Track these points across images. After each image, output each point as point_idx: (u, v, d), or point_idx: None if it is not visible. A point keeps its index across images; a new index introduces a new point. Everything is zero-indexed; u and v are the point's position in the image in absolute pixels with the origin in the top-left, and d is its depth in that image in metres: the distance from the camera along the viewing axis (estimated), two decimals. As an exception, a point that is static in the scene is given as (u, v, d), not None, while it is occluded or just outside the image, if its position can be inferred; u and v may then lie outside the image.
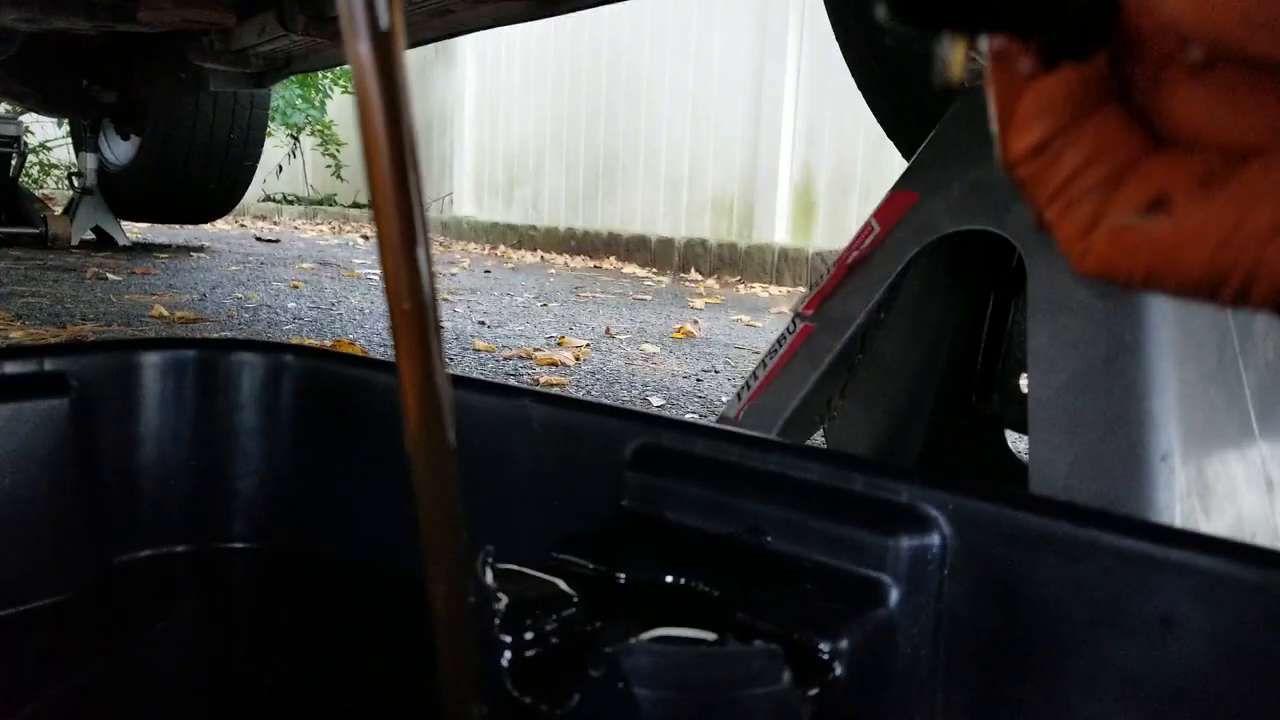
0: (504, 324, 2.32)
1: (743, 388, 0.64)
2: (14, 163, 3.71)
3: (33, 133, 4.86)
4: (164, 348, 0.58)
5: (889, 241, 0.59)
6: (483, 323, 2.33)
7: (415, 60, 6.46)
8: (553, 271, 4.10)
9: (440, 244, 5.51)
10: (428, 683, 0.52)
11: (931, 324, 0.66)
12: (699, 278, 4.22)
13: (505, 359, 1.80)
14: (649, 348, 2.08)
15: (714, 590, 0.43)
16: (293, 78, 5.47)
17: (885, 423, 0.68)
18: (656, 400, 1.54)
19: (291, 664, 0.61)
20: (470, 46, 6.21)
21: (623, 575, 0.44)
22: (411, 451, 0.29)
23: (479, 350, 1.89)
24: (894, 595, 0.42)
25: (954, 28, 0.21)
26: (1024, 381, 0.59)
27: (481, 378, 0.58)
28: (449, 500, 0.30)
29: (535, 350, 1.91)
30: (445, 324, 2.23)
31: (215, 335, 1.78)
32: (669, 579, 0.43)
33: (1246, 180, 0.19)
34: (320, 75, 6.90)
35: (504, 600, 0.37)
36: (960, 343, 0.64)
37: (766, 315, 2.90)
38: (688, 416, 1.44)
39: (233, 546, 0.61)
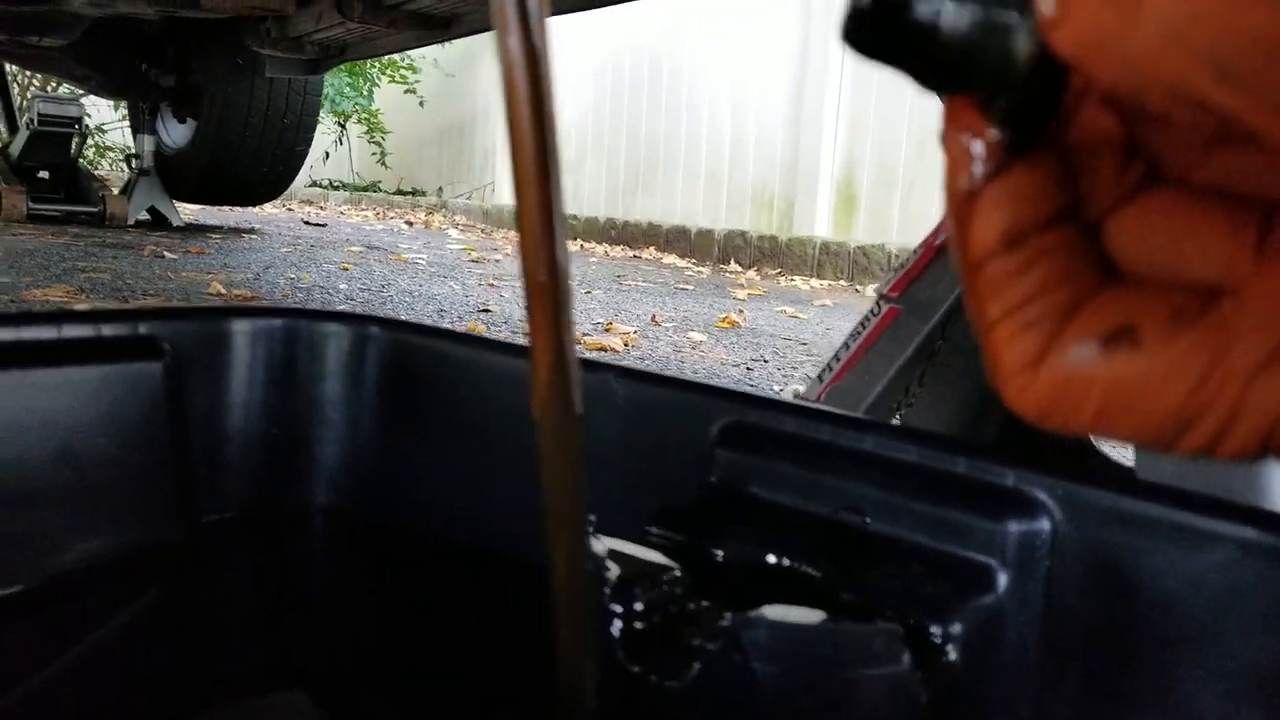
0: (552, 311, 2.32)
1: (824, 370, 0.63)
2: (75, 143, 3.77)
3: (89, 115, 4.95)
4: (254, 316, 0.58)
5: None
6: (532, 309, 2.32)
7: (460, 51, 6.49)
8: (593, 260, 4.11)
9: (481, 231, 5.53)
10: (505, 651, 0.52)
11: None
12: (739, 269, 4.20)
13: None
14: (695, 336, 2.07)
15: (815, 570, 0.42)
16: (342, 66, 5.52)
17: (962, 411, 0.67)
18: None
19: (365, 625, 0.61)
20: (517, 37, 6.22)
21: (720, 552, 0.43)
22: (539, 418, 0.29)
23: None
24: (1002, 581, 0.41)
25: (903, 70, 0.19)
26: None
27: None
28: (574, 467, 0.30)
29: (584, 335, 1.91)
30: (493, 308, 2.24)
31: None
32: (770, 558, 0.43)
33: (1221, 317, 0.17)
34: (369, 64, 6.95)
35: (614, 570, 0.37)
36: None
37: (810, 307, 2.89)
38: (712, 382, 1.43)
39: (313, 512, 0.61)
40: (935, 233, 0.61)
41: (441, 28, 2.24)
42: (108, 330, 0.54)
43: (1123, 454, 0.71)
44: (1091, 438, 0.68)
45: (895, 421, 0.62)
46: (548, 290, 0.27)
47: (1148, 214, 0.19)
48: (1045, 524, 0.42)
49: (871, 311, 0.62)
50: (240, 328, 0.58)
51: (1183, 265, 0.18)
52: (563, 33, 5.81)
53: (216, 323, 0.58)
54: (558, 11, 1.89)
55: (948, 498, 0.43)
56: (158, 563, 0.54)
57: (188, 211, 4.10)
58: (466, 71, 6.91)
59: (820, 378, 0.63)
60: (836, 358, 0.62)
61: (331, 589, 0.61)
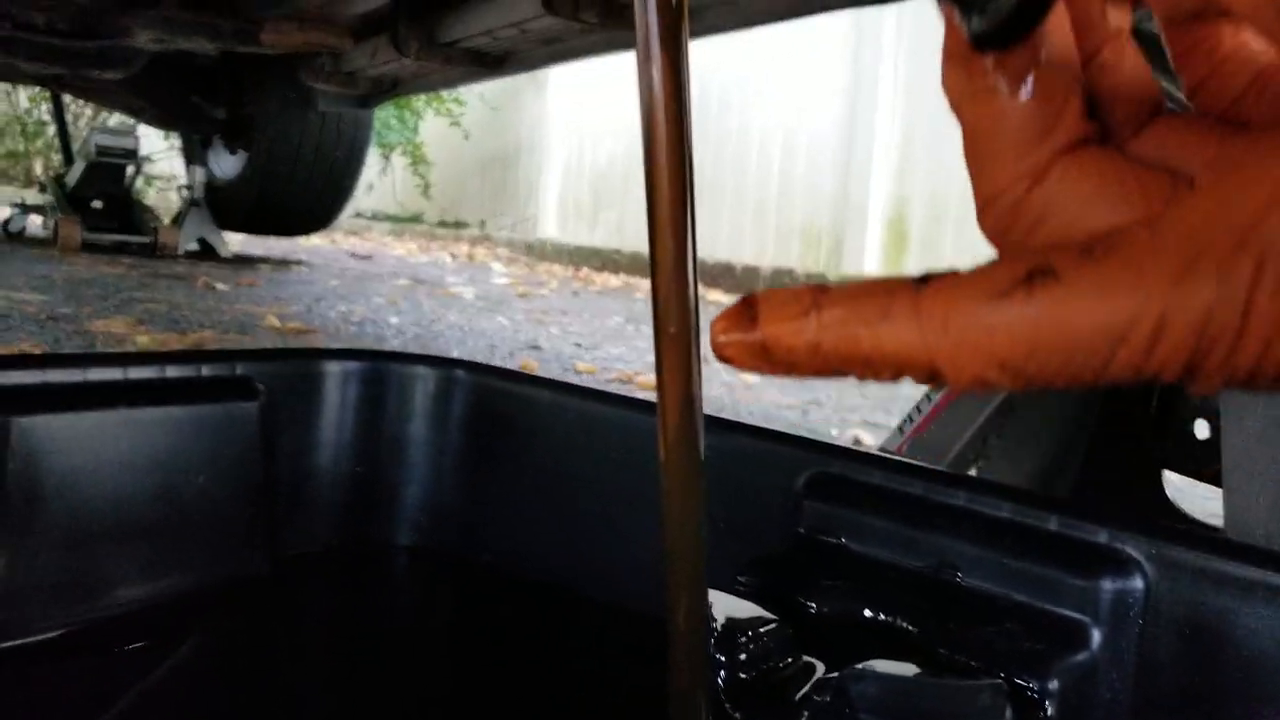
0: (599, 346, 2.34)
1: (904, 421, 0.64)
2: (130, 174, 3.85)
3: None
4: (344, 358, 0.60)
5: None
6: (579, 344, 2.35)
7: (504, 84, 6.57)
8: (639, 295, 4.12)
9: (525, 264, 5.57)
10: (584, 691, 0.52)
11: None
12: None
13: (608, 381, 1.82)
14: (748, 376, 2.08)
15: (910, 625, 0.43)
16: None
17: (1037, 464, 0.67)
18: (763, 429, 1.54)
19: (442, 662, 0.62)
20: (559, 69, 6.30)
21: (813, 605, 0.44)
22: (664, 468, 0.30)
23: (580, 372, 1.91)
24: (1096, 638, 0.42)
25: None
26: (1199, 427, 0.58)
27: (650, 399, 0.58)
28: (695, 517, 0.31)
29: (635, 374, 1.92)
30: (543, 345, 2.26)
31: (388, 349, 1.82)
32: (865, 612, 0.43)
33: (1135, 243, 0.18)
34: (415, 98, 7.06)
35: (719, 620, 0.38)
36: (1119, 383, 0.63)
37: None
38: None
39: (395, 549, 0.62)
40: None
41: (495, 65, 2.28)
42: (207, 371, 0.56)
43: (1193, 505, 0.71)
44: (1165, 489, 0.68)
45: (973, 473, 0.63)
46: (679, 341, 0.28)
47: (1084, 163, 0.21)
48: (1139, 582, 0.42)
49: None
50: (331, 369, 0.60)
51: (1102, 213, 0.21)
52: (610, 64, 5.87)
53: (309, 364, 0.60)
54: (627, 47, 1.92)
55: (1042, 554, 0.43)
56: (243, 596, 0.56)
57: (234, 241, 4.17)
58: (511, 104, 6.99)
59: (901, 429, 0.64)
60: (918, 409, 0.63)
61: (410, 625, 0.62)
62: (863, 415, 1.74)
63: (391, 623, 0.62)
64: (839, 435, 1.55)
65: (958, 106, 0.22)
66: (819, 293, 0.21)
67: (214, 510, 0.55)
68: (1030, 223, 0.22)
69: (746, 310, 0.22)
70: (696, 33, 1.90)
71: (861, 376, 0.21)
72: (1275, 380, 0.18)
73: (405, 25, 2.20)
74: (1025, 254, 0.19)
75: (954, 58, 0.22)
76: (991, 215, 0.22)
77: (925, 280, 0.20)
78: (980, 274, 0.19)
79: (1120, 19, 0.24)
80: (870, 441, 1.50)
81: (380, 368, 0.61)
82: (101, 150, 3.64)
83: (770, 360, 0.22)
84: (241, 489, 0.56)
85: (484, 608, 0.61)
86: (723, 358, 0.23)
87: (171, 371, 0.54)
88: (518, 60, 2.30)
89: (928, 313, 0.20)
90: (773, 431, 0.54)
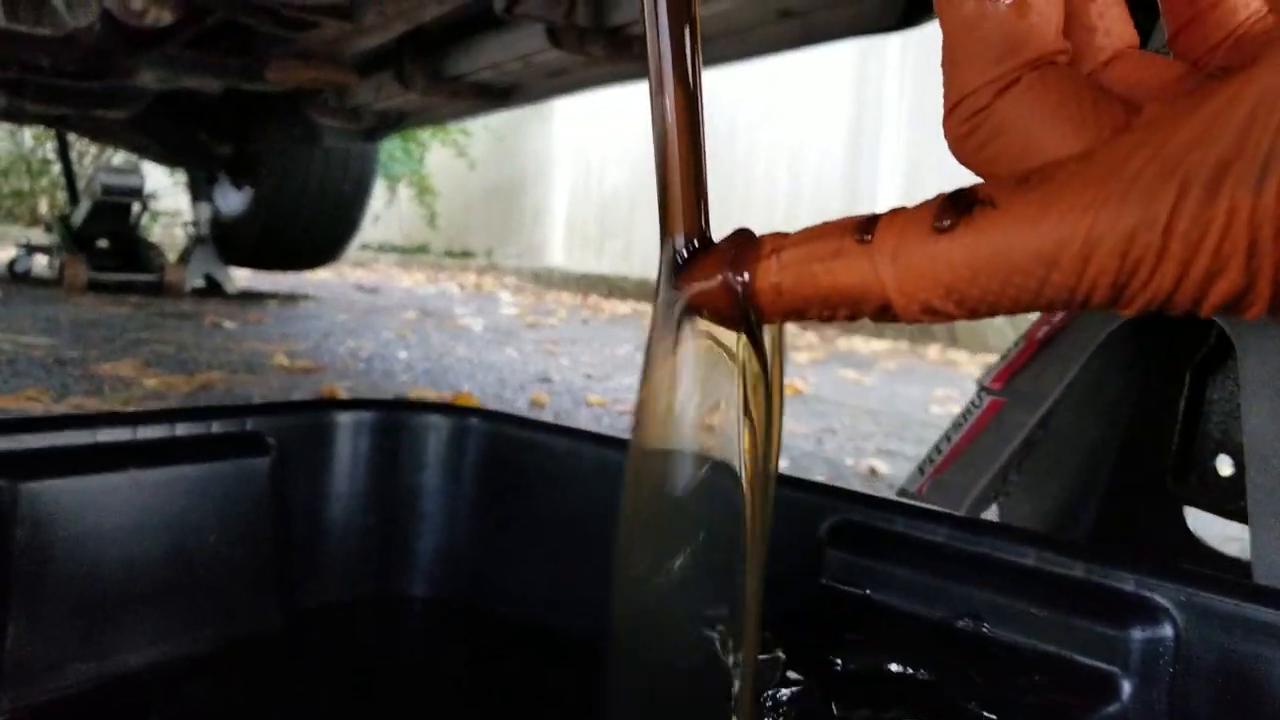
0: (610, 376, 2.34)
1: (924, 461, 0.63)
2: (135, 213, 3.87)
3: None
4: (356, 408, 0.60)
5: (1083, 316, 0.58)
6: (589, 375, 2.34)
7: (511, 114, 6.60)
8: (648, 323, 4.12)
9: (533, 292, 5.58)
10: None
11: (1109, 398, 0.64)
12: (797, 331, 4.19)
13: (620, 414, 1.81)
14: (761, 408, 2.06)
15: (936, 678, 0.42)
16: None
17: (1058, 499, 0.66)
18: (783, 463, 1.53)
19: (456, 712, 0.61)
20: (565, 98, 6.34)
21: (839, 659, 0.43)
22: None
23: (592, 405, 1.90)
24: (1126, 689, 0.41)
25: None
26: (1221, 463, 0.57)
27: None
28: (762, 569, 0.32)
29: (644, 405, 1.91)
30: (554, 377, 2.25)
31: (400, 397, 1.82)
32: (892, 666, 0.42)
33: (1068, 172, 0.19)
34: (420, 129, 7.10)
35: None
36: (1140, 419, 0.62)
37: (873, 372, 2.87)
38: (816, 479, 1.42)
39: (410, 600, 0.61)
40: (1038, 325, 0.61)
41: (501, 98, 2.29)
42: (216, 427, 0.55)
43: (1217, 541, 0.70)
44: (1189, 525, 0.67)
45: (994, 509, 0.62)
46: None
47: (1050, 81, 0.22)
48: (1169, 630, 0.41)
49: (972, 403, 0.62)
50: (343, 420, 0.59)
51: (1054, 135, 0.22)
52: (619, 92, 5.90)
53: (320, 416, 0.59)
54: (631, 79, 1.92)
55: (1068, 603, 0.42)
56: (255, 652, 0.55)
57: (240, 277, 4.18)
58: (516, 134, 7.02)
59: (921, 469, 0.63)
60: (938, 449, 0.62)
61: (423, 676, 0.61)
62: (877, 444, 1.73)
63: (405, 674, 0.61)
64: (855, 464, 1.53)
65: (943, 7, 0.23)
66: (779, 238, 0.24)
67: (225, 569, 0.54)
68: (989, 133, 0.23)
69: (715, 260, 0.24)
70: (704, 63, 1.90)
71: (821, 316, 0.23)
72: (1194, 303, 0.18)
73: (410, 61, 2.21)
74: (967, 188, 0.21)
75: None
76: (955, 119, 0.23)
77: (875, 219, 0.22)
78: (924, 207, 0.21)
79: None
80: (886, 470, 1.49)
81: (393, 418, 0.60)
82: (107, 189, 3.66)
83: (738, 304, 0.24)
84: (253, 546, 0.55)
85: (498, 658, 0.60)
86: (695, 306, 0.26)
87: (181, 429, 0.54)
88: (524, 93, 2.31)
89: (877, 246, 0.21)
90: (792, 478, 0.53)
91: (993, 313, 0.20)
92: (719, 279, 0.24)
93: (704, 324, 0.28)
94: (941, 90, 0.24)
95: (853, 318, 0.22)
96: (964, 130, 0.23)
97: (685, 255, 0.28)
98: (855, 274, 0.21)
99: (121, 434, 0.52)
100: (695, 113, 0.27)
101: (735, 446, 0.31)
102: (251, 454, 0.55)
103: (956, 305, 0.20)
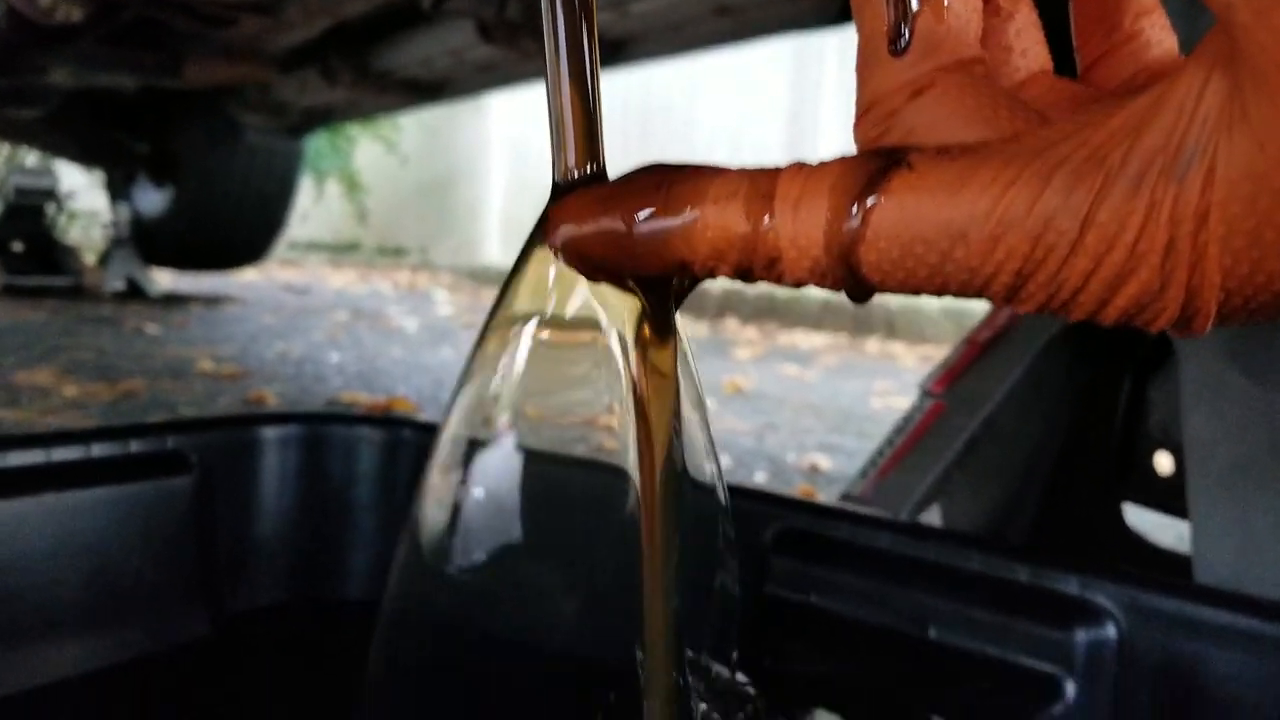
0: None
1: (868, 465, 0.63)
2: (50, 213, 3.75)
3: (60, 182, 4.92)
4: (281, 423, 0.58)
5: (1025, 319, 0.58)
6: (524, 375, 2.31)
7: (444, 107, 6.52)
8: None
9: (468, 291, 5.52)
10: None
11: (1050, 399, 0.65)
12: (737, 326, 4.20)
13: (567, 426, 1.79)
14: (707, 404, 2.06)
15: (884, 684, 0.42)
16: (320, 127, 5.49)
17: (998, 497, 0.66)
18: (725, 460, 1.53)
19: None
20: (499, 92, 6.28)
21: (785, 668, 0.43)
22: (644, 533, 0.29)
23: (531, 417, 1.88)
24: (1071, 690, 0.41)
25: None
26: (1161, 461, 0.58)
27: (608, 461, 0.57)
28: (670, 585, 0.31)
29: (595, 417, 1.90)
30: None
31: (325, 410, 1.77)
32: (839, 673, 0.42)
33: (984, 148, 0.19)
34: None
35: (689, 683, 0.36)
36: (1081, 419, 0.63)
37: (814, 366, 2.88)
38: (758, 476, 1.42)
39: (343, 606, 0.60)
40: (980, 329, 0.62)
41: (431, 93, 2.25)
42: (136, 447, 0.53)
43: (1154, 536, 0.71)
44: (1125, 519, 0.67)
45: (935, 509, 0.62)
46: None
47: (964, 85, 0.21)
48: (1112, 631, 0.41)
49: (915, 407, 0.62)
50: (268, 435, 0.57)
51: (970, 134, 0.21)
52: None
53: (244, 432, 0.57)
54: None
55: (1012, 607, 0.42)
56: (185, 659, 0.53)
57: (163, 279, 4.07)
58: (449, 127, 6.94)
59: (864, 473, 0.63)
60: (880, 453, 0.62)
61: (355, 677, 0.60)
62: (818, 438, 1.74)
63: (336, 677, 0.59)
64: (797, 460, 1.54)
65: (859, 9, 0.22)
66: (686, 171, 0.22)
67: (149, 589, 0.52)
68: (901, 135, 0.22)
69: (595, 203, 0.24)
70: (641, 57, 1.89)
71: (714, 269, 0.21)
72: (1098, 305, 0.18)
73: (336, 56, 2.16)
74: (887, 147, 0.20)
75: None
76: (867, 122, 0.22)
77: (786, 168, 0.21)
78: (838, 162, 0.20)
79: None
80: (829, 466, 1.49)
81: (320, 431, 0.58)
82: (20, 191, 3.55)
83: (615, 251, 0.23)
84: (177, 567, 0.53)
85: (443, 662, 0.59)
86: (570, 256, 0.25)
87: (98, 450, 0.52)
88: (455, 87, 2.28)
89: (782, 195, 0.20)
90: (736, 487, 0.52)
91: (882, 286, 0.20)
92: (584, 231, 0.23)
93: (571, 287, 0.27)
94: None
95: (740, 272, 0.21)
96: (874, 134, 0.22)
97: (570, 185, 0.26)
98: (752, 221, 0.20)
99: (35, 457, 0.49)
100: (587, 28, 0.27)
101: (627, 438, 0.30)
102: (172, 473, 0.53)
103: (847, 268, 0.20)
